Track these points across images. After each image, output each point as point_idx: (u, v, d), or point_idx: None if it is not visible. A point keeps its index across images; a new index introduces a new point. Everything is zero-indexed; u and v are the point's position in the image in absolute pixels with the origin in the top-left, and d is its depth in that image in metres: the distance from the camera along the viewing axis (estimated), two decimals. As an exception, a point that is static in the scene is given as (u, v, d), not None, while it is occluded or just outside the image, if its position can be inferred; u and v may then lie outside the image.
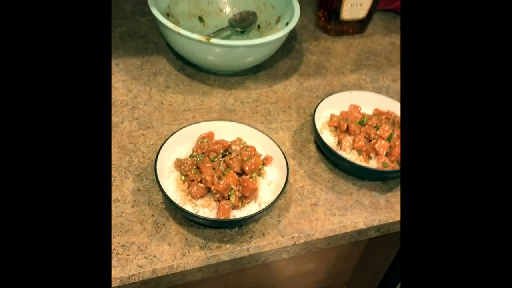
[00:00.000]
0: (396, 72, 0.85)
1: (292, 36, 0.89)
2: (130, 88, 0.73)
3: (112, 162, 0.62)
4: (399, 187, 0.65)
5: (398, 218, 0.63)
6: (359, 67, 0.85)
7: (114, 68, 0.76)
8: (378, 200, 0.64)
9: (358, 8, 0.87)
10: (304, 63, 0.84)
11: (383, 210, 0.63)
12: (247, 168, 0.57)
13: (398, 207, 0.63)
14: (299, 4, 0.78)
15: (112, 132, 0.66)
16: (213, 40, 0.67)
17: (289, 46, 0.87)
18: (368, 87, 0.80)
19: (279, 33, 0.72)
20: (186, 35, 0.67)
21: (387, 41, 0.92)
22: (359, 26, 0.91)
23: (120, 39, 0.82)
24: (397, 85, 0.82)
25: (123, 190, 0.59)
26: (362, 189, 0.65)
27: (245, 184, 0.55)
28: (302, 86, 0.79)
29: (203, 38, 0.67)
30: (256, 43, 0.70)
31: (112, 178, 0.60)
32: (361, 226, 0.61)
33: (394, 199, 0.64)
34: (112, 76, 0.75)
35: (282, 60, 0.84)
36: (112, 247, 0.54)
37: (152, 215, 0.57)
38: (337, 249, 0.68)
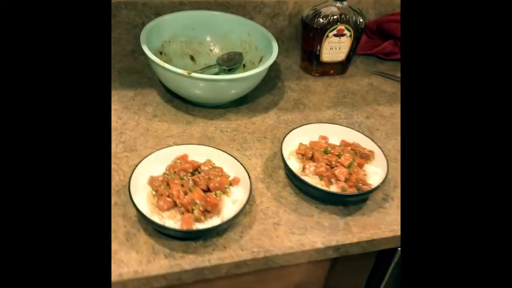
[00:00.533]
0: (370, 109, 0.91)
1: (276, 75, 0.97)
2: (120, 116, 0.81)
3: (96, 179, 0.69)
4: (359, 212, 0.70)
5: (355, 240, 0.67)
6: (335, 104, 0.91)
7: (109, 98, 0.84)
8: (338, 222, 0.68)
9: (337, 51, 0.95)
10: (284, 99, 0.91)
11: (341, 231, 0.67)
12: (211, 185, 0.63)
13: (356, 229, 0.68)
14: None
15: (99, 153, 0.73)
16: (194, 74, 0.75)
17: (272, 84, 0.94)
18: (342, 122, 0.86)
19: (257, 69, 0.79)
20: (170, 69, 0.76)
21: (365, 82, 0.99)
22: (340, 68, 0.99)
23: (118, 74, 0.91)
24: (370, 122, 0.88)
25: (102, 203, 0.66)
26: (324, 212, 0.69)
27: (208, 199, 0.61)
28: (280, 119, 0.86)
29: (185, 72, 0.75)
30: (233, 77, 0.77)
31: (94, 193, 0.67)
32: (319, 245, 0.66)
33: (353, 222, 0.69)
34: (106, 105, 0.83)
35: (264, 96, 0.91)
36: (86, 252, 0.59)
37: (125, 226, 0.63)
38: (300, 269, 0.72)
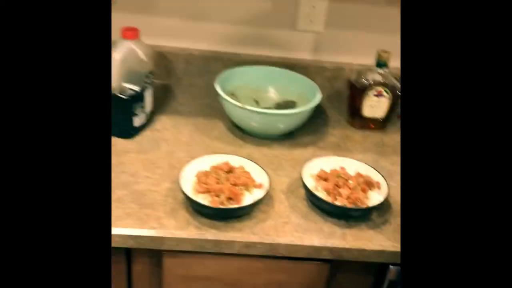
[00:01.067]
0: (397, 159, 1.06)
1: (324, 124, 1.17)
2: (191, 134, 1.06)
3: (161, 173, 0.93)
4: (357, 227, 0.85)
5: (348, 246, 0.82)
6: (367, 151, 1.08)
7: (186, 122, 1.10)
8: (337, 231, 0.84)
9: (376, 109, 1.13)
10: (324, 141, 1.10)
11: (337, 238, 0.83)
12: (238, 182, 0.84)
13: (350, 238, 0.83)
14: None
15: (168, 157, 0.98)
16: (246, 106, 0.98)
17: (317, 129, 1.14)
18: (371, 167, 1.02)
19: (298, 109, 1.01)
20: (229, 101, 1.00)
21: (399, 140, 1.14)
22: (380, 124, 1.16)
23: (199, 107, 1.17)
24: (393, 168, 1.03)
25: (160, 186, 0.89)
26: (327, 223, 0.86)
27: (232, 189, 0.81)
28: (315, 154, 1.04)
29: (239, 104, 0.99)
30: (277, 112, 0.99)
31: (157, 180, 0.91)
32: (315, 243, 0.82)
33: (349, 233, 0.84)
34: (184, 127, 1.09)
35: (307, 136, 1.11)
36: (141, 214, 0.82)
37: (172, 203, 0.85)
38: (303, 268, 0.87)
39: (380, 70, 1.11)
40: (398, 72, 1.13)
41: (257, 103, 1.17)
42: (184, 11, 1.21)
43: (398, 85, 1.11)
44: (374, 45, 1.15)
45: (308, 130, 1.12)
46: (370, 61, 1.13)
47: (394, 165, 1.04)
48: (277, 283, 0.89)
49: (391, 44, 1.14)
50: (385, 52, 1.10)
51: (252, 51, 1.27)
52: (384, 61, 1.10)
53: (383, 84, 1.10)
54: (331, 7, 1.20)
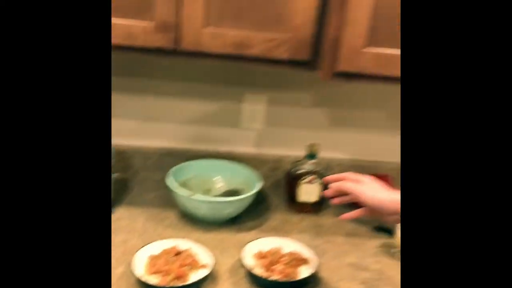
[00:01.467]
0: (329, 238, 1.21)
1: (266, 209, 1.31)
2: (144, 224, 1.18)
3: (116, 258, 1.04)
4: (291, 299, 0.97)
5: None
6: (303, 232, 1.22)
7: (141, 213, 1.23)
8: (273, 304, 0.96)
9: (310, 195, 1.29)
10: (266, 225, 1.24)
11: (273, 310, 0.94)
12: (184, 263, 0.96)
13: (284, 310, 0.94)
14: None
15: (123, 244, 1.09)
16: (193, 196, 1.12)
17: (260, 213, 1.28)
18: (303, 243, 1.16)
19: (240, 197, 1.16)
20: (177, 192, 1.14)
21: (331, 221, 1.29)
22: (314, 208, 1.31)
23: (153, 198, 1.30)
24: (326, 246, 1.17)
25: (116, 270, 0.99)
26: (265, 296, 0.97)
27: (179, 270, 0.93)
28: (257, 236, 1.17)
29: (188, 194, 1.13)
30: (219, 200, 1.14)
31: (112, 265, 1.01)
32: (254, 315, 0.93)
33: (284, 305, 0.95)
34: (139, 217, 1.21)
35: (251, 221, 1.24)
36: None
37: (125, 285, 0.95)
38: None
39: (311, 161, 1.28)
40: (327, 162, 1.31)
41: (207, 192, 1.31)
42: (140, 114, 1.39)
43: (327, 172, 1.28)
44: (305, 139, 1.34)
45: (252, 215, 1.26)
46: (303, 153, 1.31)
47: (326, 243, 1.19)
48: None
49: (319, 138, 1.34)
50: (314, 145, 1.28)
51: (202, 146, 1.43)
52: (314, 153, 1.28)
53: (314, 173, 1.27)
54: (269, 109, 1.40)
